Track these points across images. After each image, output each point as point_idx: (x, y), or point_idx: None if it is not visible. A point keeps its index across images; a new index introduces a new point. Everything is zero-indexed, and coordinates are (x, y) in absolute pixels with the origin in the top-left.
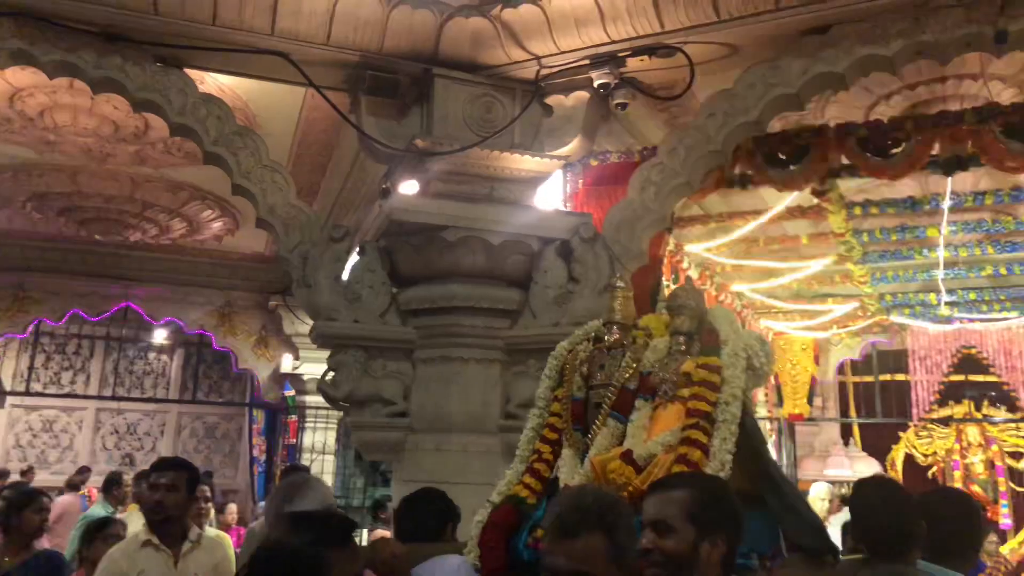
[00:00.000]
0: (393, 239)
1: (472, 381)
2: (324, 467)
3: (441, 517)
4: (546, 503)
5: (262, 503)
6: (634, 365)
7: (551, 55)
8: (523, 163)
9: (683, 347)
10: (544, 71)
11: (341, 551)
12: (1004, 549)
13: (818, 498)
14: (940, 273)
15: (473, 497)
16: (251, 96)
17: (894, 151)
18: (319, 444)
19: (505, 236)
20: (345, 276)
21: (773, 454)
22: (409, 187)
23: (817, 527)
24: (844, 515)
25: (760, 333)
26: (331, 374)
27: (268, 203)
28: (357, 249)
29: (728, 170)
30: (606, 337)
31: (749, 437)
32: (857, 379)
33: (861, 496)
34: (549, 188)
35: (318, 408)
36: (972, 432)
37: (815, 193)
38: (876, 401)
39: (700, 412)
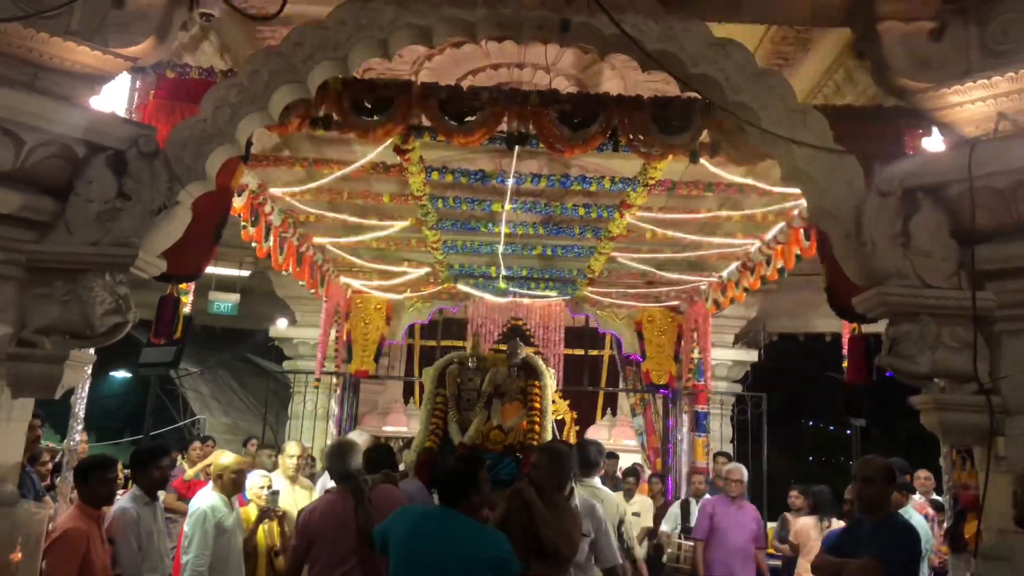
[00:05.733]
0: None
1: None
2: None
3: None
4: (447, 449)
5: None
6: (495, 381)
7: None
8: (78, 54)
9: (515, 373)
10: None
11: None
12: None
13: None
14: (501, 248)
15: None
16: None
17: (469, 119)
18: None
19: (43, 134)
20: None
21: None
22: None
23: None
24: None
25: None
26: None
27: None
28: None
29: (314, 108)
30: (468, 363)
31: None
32: (423, 343)
33: (578, 447)
34: (114, 92)
35: None
36: None
37: (398, 151)
38: None
39: (536, 408)
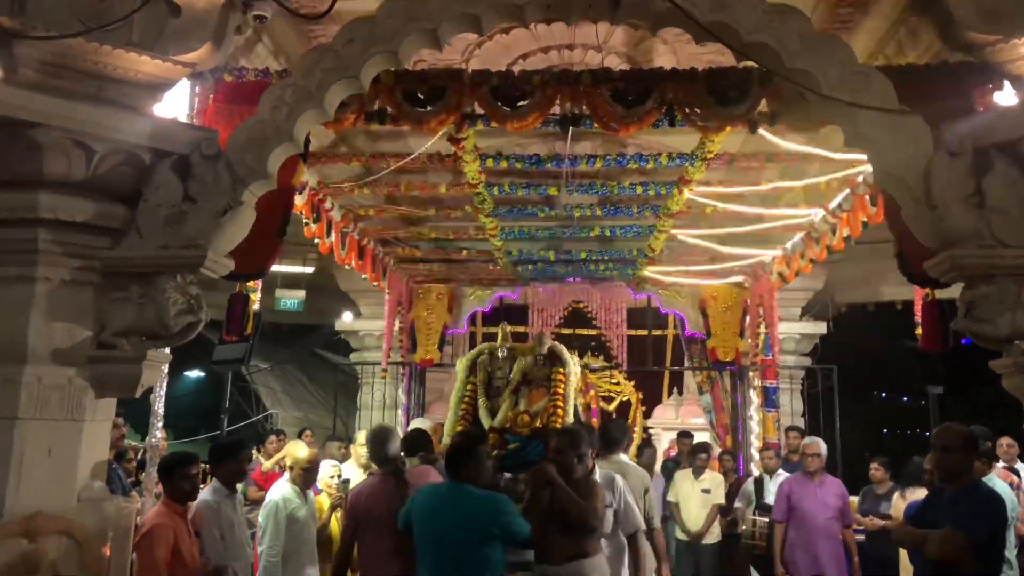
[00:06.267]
0: None
1: (58, 305)
2: None
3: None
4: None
5: None
6: (522, 370)
7: None
8: (140, 64)
9: (542, 362)
10: None
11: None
12: None
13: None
14: (559, 231)
15: (48, 434)
16: None
17: (521, 103)
18: None
19: (111, 144)
20: None
21: (409, 399)
22: None
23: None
24: None
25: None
26: None
27: None
28: None
29: (368, 103)
30: (499, 353)
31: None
32: (486, 330)
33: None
34: (175, 99)
35: None
36: None
37: (452, 141)
38: None
39: (559, 394)
